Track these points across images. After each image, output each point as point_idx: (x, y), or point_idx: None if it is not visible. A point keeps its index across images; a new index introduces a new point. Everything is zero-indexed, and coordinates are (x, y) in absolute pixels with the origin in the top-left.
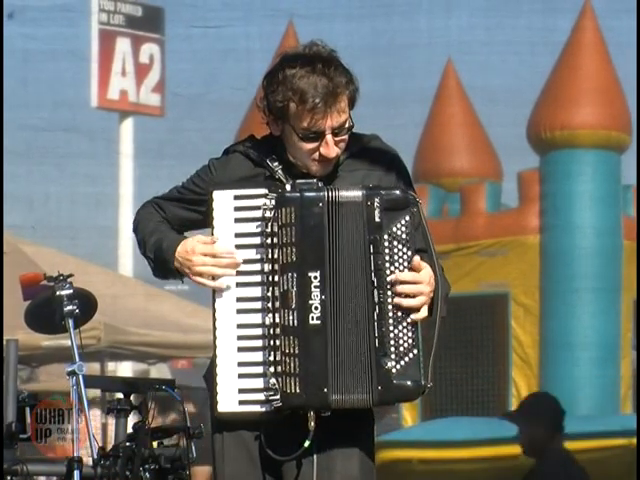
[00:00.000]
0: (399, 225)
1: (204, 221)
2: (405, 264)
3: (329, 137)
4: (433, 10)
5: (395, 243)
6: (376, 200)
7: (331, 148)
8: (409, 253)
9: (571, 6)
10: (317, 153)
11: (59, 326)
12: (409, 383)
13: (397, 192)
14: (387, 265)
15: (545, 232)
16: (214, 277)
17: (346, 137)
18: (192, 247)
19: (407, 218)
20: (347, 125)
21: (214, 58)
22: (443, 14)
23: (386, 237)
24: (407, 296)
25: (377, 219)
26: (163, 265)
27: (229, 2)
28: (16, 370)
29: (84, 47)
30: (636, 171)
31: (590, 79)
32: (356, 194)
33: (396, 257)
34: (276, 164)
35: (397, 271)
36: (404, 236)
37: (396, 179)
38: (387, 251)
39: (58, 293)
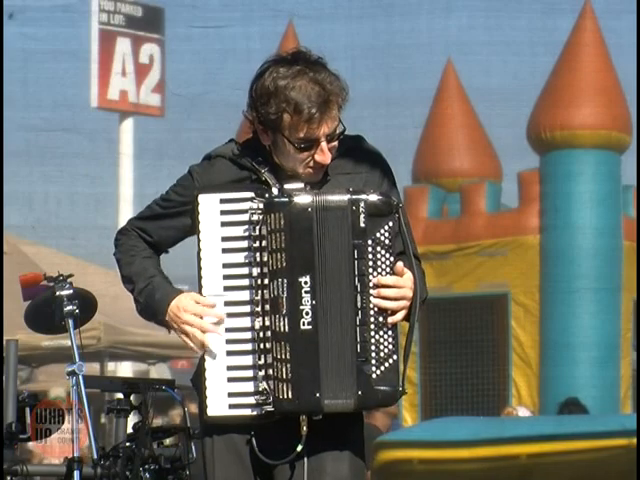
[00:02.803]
0: (382, 231)
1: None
2: (387, 270)
3: (324, 144)
4: (433, 10)
5: (378, 249)
6: (361, 205)
7: (326, 155)
8: (391, 259)
9: (571, 6)
10: (312, 160)
11: (59, 326)
12: (388, 389)
13: (381, 198)
14: (370, 270)
15: (545, 232)
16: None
17: (337, 142)
18: (184, 305)
19: (390, 224)
20: (339, 130)
21: (214, 58)
22: (443, 14)
23: (370, 242)
24: (389, 299)
25: (362, 224)
26: (153, 314)
27: (229, 2)
28: (16, 370)
29: (84, 47)
30: (636, 171)
31: (590, 79)
32: (341, 199)
33: (379, 262)
34: (262, 167)
35: (379, 276)
36: (387, 242)
37: (381, 180)
38: (370, 256)
39: (58, 293)
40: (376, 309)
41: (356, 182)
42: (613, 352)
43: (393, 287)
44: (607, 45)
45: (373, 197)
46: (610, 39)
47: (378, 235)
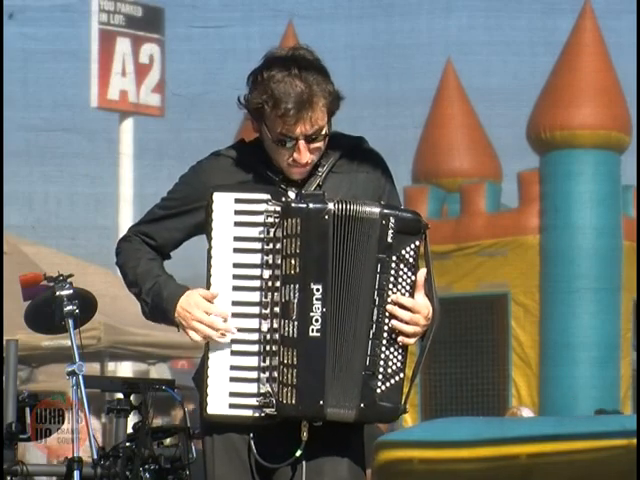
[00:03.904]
0: (408, 249)
1: (200, 228)
2: (408, 288)
3: (301, 143)
4: (433, 10)
5: (402, 266)
6: (391, 220)
7: (303, 154)
8: (413, 278)
9: (571, 6)
10: (291, 158)
11: (59, 326)
12: (390, 406)
13: (412, 216)
14: (390, 286)
15: (545, 232)
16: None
17: (321, 144)
18: (196, 302)
19: (417, 243)
20: (323, 132)
21: (214, 58)
22: (443, 14)
23: (394, 259)
24: (403, 321)
25: (389, 239)
26: (161, 313)
27: (229, 2)
28: (16, 370)
29: (84, 47)
30: (636, 171)
31: (590, 79)
32: (372, 211)
33: (400, 280)
34: (265, 167)
35: (399, 294)
36: (411, 260)
37: (382, 181)
38: (393, 272)
39: (58, 293)
40: (390, 325)
41: (357, 183)
42: (613, 352)
43: (410, 310)
44: (607, 45)
45: (405, 214)
46: (610, 39)
47: (403, 252)
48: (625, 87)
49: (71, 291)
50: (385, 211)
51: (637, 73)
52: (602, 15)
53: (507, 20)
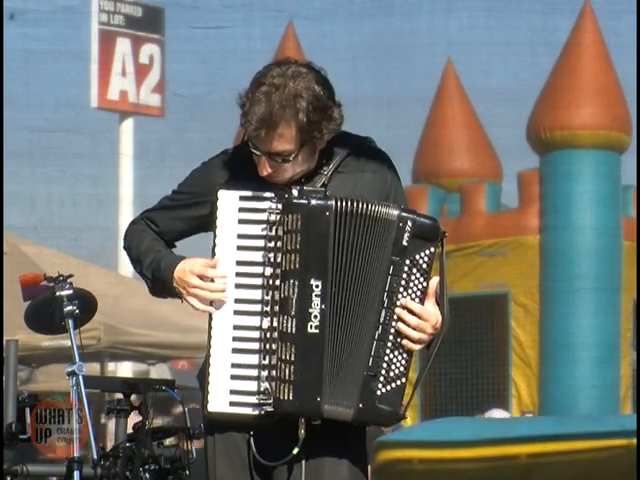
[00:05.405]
0: (422, 254)
1: (205, 223)
2: (418, 294)
3: (263, 158)
4: (433, 10)
5: (414, 271)
6: (409, 224)
7: (261, 167)
8: (425, 284)
9: (571, 7)
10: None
11: (59, 326)
12: (389, 409)
13: (431, 222)
14: (401, 290)
15: (545, 232)
16: (210, 302)
17: (287, 165)
18: (190, 268)
19: (432, 249)
20: (291, 157)
21: (215, 59)
22: (443, 14)
23: (407, 262)
24: (410, 326)
25: (404, 243)
26: (162, 285)
27: (229, 3)
28: (16, 370)
29: (84, 48)
30: (636, 171)
31: (590, 79)
32: (390, 212)
33: (411, 284)
34: None
35: (409, 298)
36: (424, 266)
37: (388, 181)
38: (405, 276)
39: (58, 293)
40: (397, 328)
41: (363, 183)
42: (613, 352)
43: (417, 316)
44: (607, 45)
45: (423, 219)
46: (610, 39)
47: (417, 257)
48: (625, 87)
49: (71, 291)
50: (403, 214)
51: (637, 73)
52: (602, 15)
53: (507, 20)
